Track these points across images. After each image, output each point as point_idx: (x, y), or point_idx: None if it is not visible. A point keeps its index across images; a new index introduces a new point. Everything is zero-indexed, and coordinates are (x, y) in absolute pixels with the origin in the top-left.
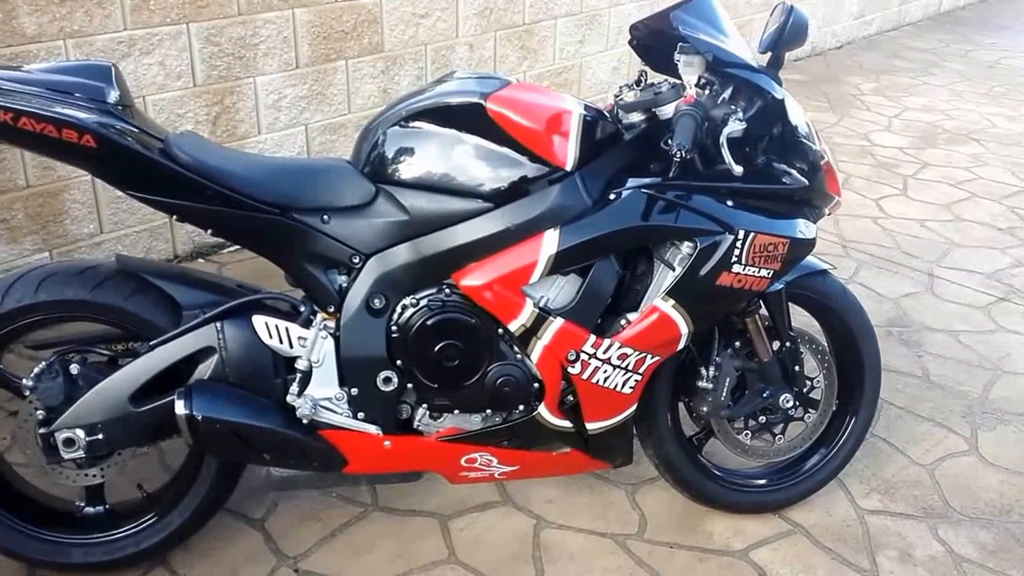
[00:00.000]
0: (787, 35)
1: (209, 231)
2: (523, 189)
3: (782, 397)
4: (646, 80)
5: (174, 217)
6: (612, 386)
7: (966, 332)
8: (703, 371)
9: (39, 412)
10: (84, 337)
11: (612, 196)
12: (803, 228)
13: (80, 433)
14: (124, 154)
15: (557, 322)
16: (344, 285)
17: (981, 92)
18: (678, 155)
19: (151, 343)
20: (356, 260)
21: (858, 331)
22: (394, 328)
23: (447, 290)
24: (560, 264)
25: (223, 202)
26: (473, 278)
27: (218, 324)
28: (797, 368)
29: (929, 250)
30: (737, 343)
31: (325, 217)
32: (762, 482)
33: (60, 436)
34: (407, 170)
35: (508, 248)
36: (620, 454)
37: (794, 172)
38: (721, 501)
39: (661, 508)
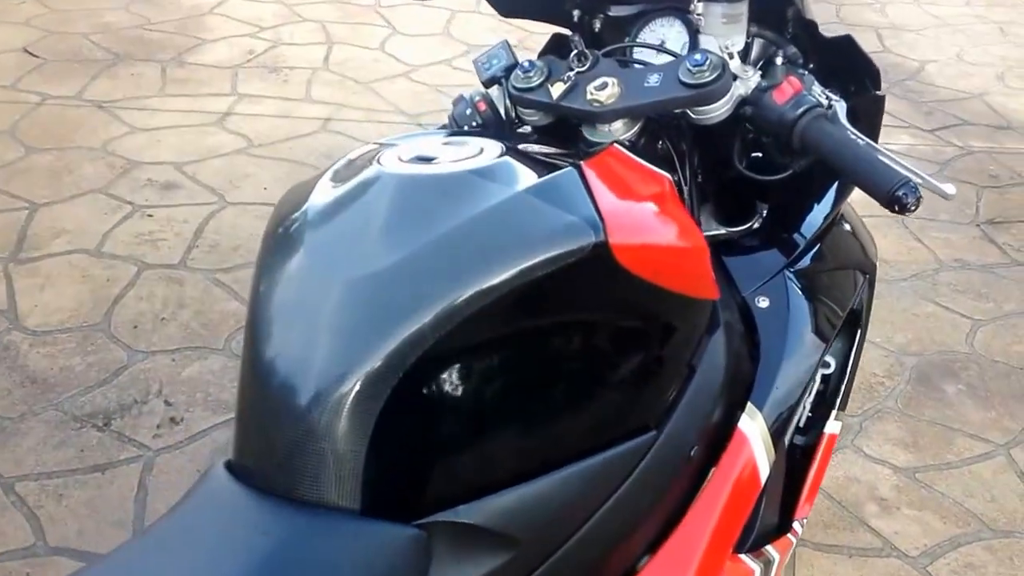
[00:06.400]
0: None
1: None
2: (688, 366)
3: None
4: (585, 52)
5: None
6: None
7: None
8: None
9: None
10: None
11: (762, 302)
12: None
13: None
14: None
15: (773, 555)
16: None
17: None
18: (913, 205)
19: None
20: None
21: None
22: None
23: None
24: None
25: None
26: None
27: None
28: None
29: None
30: None
31: None
32: None
33: None
34: (487, 461)
35: (702, 488)
36: None
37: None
38: None
39: None
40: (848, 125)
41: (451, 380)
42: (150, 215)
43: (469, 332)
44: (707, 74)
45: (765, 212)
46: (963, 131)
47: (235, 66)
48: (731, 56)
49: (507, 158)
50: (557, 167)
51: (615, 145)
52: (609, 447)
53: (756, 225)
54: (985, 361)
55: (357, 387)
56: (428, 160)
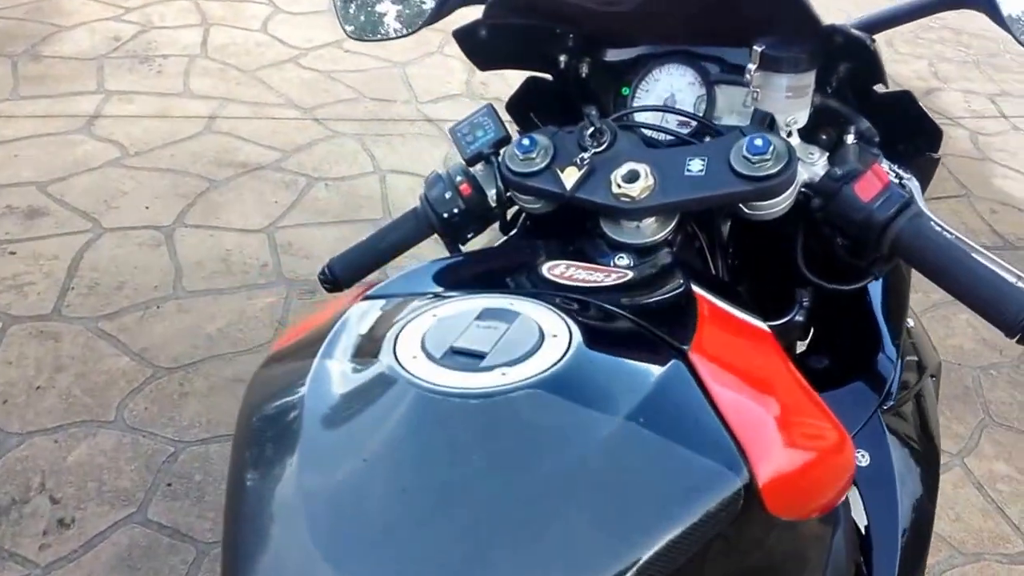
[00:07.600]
0: None
1: None
2: None
3: None
4: (601, 128)
5: None
6: None
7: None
8: None
9: None
10: None
11: (861, 459)
12: None
13: None
14: None
15: None
16: None
17: None
18: None
19: None
20: None
21: None
22: None
23: None
24: None
25: None
26: None
27: None
28: None
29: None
30: None
31: None
32: None
33: None
34: None
35: None
36: None
37: None
38: None
39: None
40: (935, 217)
41: None
42: (12, 252)
43: None
44: (770, 164)
45: (806, 301)
46: None
47: (100, 56)
48: (789, 134)
49: (582, 348)
50: (644, 342)
51: (703, 296)
52: None
53: (799, 318)
54: None
55: None
56: (471, 357)
